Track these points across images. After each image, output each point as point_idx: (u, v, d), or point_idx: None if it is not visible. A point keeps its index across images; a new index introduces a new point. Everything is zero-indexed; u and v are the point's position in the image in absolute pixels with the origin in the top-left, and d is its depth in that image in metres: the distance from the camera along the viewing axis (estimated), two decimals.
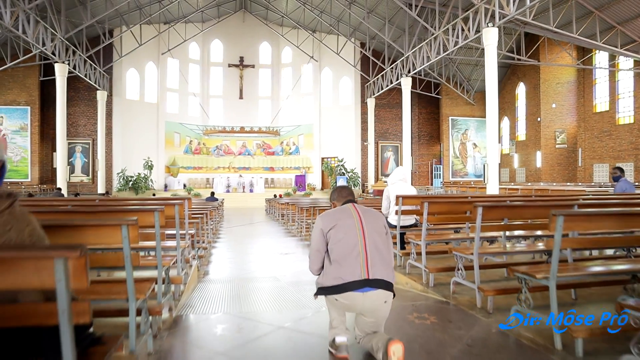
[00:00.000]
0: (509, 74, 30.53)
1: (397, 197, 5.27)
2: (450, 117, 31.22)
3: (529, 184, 24.79)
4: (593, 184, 21.69)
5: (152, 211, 3.04)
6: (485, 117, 28.25)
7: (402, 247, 5.51)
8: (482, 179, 29.81)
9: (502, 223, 3.93)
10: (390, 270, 2.80)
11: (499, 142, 31.87)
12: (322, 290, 2.79)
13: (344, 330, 2.84)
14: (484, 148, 30.46)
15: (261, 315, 3.85)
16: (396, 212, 5.36)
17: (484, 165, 29.76)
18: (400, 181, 5.82)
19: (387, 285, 2.72)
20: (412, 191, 5.94)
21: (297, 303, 4.22)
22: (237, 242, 10.91)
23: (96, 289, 2.61)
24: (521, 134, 30.08)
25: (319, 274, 2.88)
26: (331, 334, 2.85)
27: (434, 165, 31.89)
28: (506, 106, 30.98)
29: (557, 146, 26.96)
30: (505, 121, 31.65)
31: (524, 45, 23.51)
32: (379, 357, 2.52)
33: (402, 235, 5.50)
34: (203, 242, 8.16)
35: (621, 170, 6.99)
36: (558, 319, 2.74)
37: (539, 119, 26.71)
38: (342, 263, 2.69)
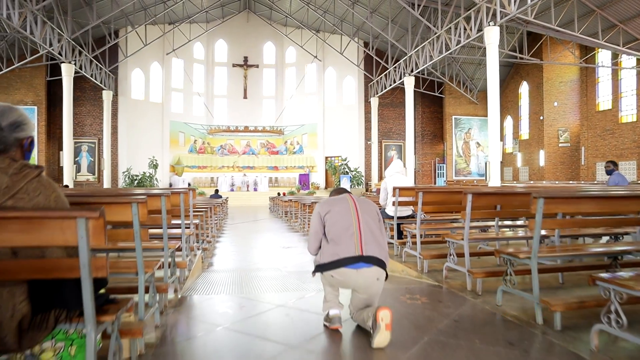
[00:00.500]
0: (512, 73, 30.58)
1: (394, 188, 5.46)
2: (453, 116, 31.31)
3: (532, 182, 24.87)
4: (596, 182, 21.77)
5: (160, 196, 3.25)
6: (487, 116, 28.25)
7: (400, 237, 5.70)
8: (485, 178, 29.97)
9: (495, 211, 4.10)
10: (384, 251, 2.99)
11: (502, 141, 31.97)
12: (319, 268, 2.99)
13: (337, 304, 3.03)
14: (487, 147, 30.51)
15: (262, 296, 4.06)
16: (393, 203, 5.54)
17: (485, 164, 29.86)
18: (397, 173, 6.01)
19: (379, 263, 2.90)
20: (410, 183, 6.13)
21: (296, 287, 4.41)
22: (241, 237, 11.13)
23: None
24: (524, 133, 30.13)
25: (317, 254, 3.08)
26: (325, 308, 3.05)
27: (437, 164, 31.98)
28: (509, 105, 31.04)
29: (560, 145, 27.00)
30: (509, 120, 31.70)
31: (527, 44, 23.61)
32: (369, 325, 2.71)
33: (399, 225, 5.68)
34: (207, 236, 8.38)
35: (614, 164, 7.14)
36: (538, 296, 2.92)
37: (541, 118, 26.78)
38: (338, 242, 2.89)
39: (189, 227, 4.82)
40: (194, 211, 5.82)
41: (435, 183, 31.59)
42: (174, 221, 4.93)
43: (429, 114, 32.17)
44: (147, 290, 2.89)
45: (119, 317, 1.95)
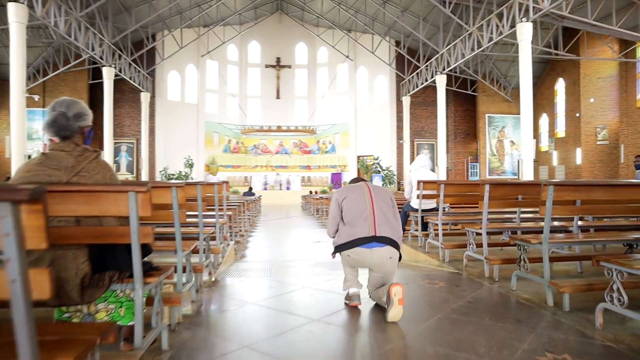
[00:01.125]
0: (547, 70, 29.89)
1: (419, 182, 5.64)
2: (487, 115, 30.87)
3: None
4: (635, 180, 21.09)
5: (196, 184, 3.57)
6: (529, 114, 27.73)
7: (424, 229, 5.87)
8: (517, 177, 29.42)
9: (513, 200, 4.24)
10: (397, 233, 3.22)
11: (538, 139, 31.33)
12: (337, 248, 3.24)
13: (356, 284, 3.28)
14: (521, 145, 29.98)
15: (289, 279, 4.34)
16: (418, 196, 5.72)
17: (518, 162, 29.33)
18: (421, 167, 6.18)
19: (392, 243, 3.12)
20: (433, 177, 6.29)
21: (322, 273, 4.66)
22: (273, 232, 11.48)
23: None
24: (560, 131, 29.39)
25: (335, 237, 3.33)
26: (345, 287, 3.30)
27: (470, 163, 31.61)
28: (545, 102, 30.35)
29: (598, 143, 26.24)
30: (544, 118, 30.99)
31: (563, 39, 23.09)
32: (383, 301, 2.94)
33: (422, 217, 5.85)
34: (240, 230, 8.74)
35: None
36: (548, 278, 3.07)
37: (577, 115, 26.11)
38: (353, 224, 3.13)
39: (222, 217, 5.15)
40: (227, 205, 6.16)
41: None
42: (208, 213, 5.27)
43: (461, 113, 31.84)
44: (184, 270, 3.20)
45: (161, 282, 2.26)
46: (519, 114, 28.34)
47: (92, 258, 1.97)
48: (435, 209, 6.07)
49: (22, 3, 13.37)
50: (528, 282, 3.73)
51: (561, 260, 3.70)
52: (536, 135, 31.34)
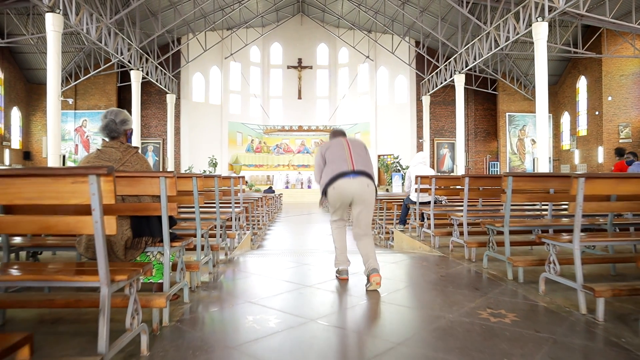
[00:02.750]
0: (569, 68, 29.74)
1: (417, 177, 6.20)
2: (507, 113, 30.88)
3: None
4: None
5: (213, 177, 4.24)
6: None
7: (422, 220, 6.43)
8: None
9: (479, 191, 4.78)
10: (371, 169, 3.81)
11: (559, 138, 31.17)
12: (324, 188, 3.82)
13: (345, 262, 3.89)
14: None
15: (293, 258, 4.99)
16: (416, 190, 6.28)
17: (533, 160, 29.26)
18: (420, 164, 6.73)
19: (368, 175, 3.74)
20: (431, 172, 6.82)
21: (324, 255, 5.27)
22: (292, 226, 12.18)
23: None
24: (582, 129, 29.23)
25: (320, 182, 3.92)
26: (336, 264, 3.94)
27: (490, 162, 31.67)
28: (566, 101, 30.20)
29: (620, 141, 26.06)
30: (566, 116, 30.84)
31: (584, 37, 23.05)
32: (366, 283, 3.58)
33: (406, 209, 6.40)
34: (258, 222, 9.43)
35: (634, 155, 7.44)
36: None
37: (597, 113, 26.00)
38: (334, 164, 3.73)
39: (238, 207, 5.82)
40: (244, 199, 6.84)
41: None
42: (225, 203, 5.94)
43: (482, 111, 31.94)
44: (202, 248, 3.87)
45: (183, 246, 2.95)
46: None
47: (133, 226, 2.67)
48: (436, 202, 6.61)
49: (58, 13, 14.33)
50: (498, 262, 4.29)
51: (519, 243, 4.23)
52: (557, 133, 31.22)
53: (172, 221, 2.85)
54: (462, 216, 4.68)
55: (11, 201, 1.64)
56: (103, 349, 1.69)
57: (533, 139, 31.06)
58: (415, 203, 6.43)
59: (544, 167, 16.79)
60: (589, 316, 2.72)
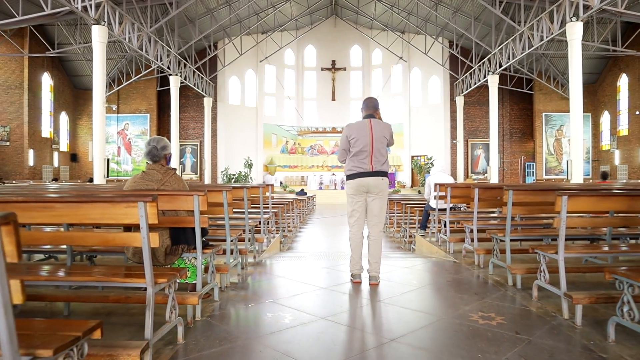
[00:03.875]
0: (609, 65, 28.92)
1: (435, 184, 6.53)
2: (543, 113, 30.32)
3: (632, 181, 23.55)
4: None
5: (242, 188, 4.73)
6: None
7: (444, 225, 6.74)
8: (566, 176, 28.62)
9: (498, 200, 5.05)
10: (385, 164, 4.37)
11: (599, 138, 30.40)
12: (348, 177, 4.44)
13: (360, 267, 4.31)
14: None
15: (315, 262, 5.42)
16: (435, 197, 6.61)
17: (567, 162, 28.59)
18: (440, 172, 7.05)
19: (383, 173, 4.35)
20: (450, 181, 7.12)
21: (342, 260, 5.69)
22: (323, 228, 12.63)
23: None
24: (623, 129, 28.40)
25: (344, 163, 4.54)
26: (351, 269, 4.37)
27: (525, 163, 31.18)
28: (607, 99, 29.39)
29: None
30: (606, 115, 30.02)
31: (624, 33, 22.41)
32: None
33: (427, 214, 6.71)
34: (288, 225, 9.91)
35: None
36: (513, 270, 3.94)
37: (637, 112, 25.24)
38: (356, 160, 4.33)
39: (267, 214, 6.30)
40: (273, 204, 7.32)
41: (524, 182, 30.85)
42: (254, 210, 6.44)
43: (517, 111, 31.47)
44: (232, 252, 4.36)
45: (213, 253, 3.44)
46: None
47: (171, 236, 3.18)
48: (452, 208, 6.91)
49: (103, 25, 15.26)
50: (503, 269, 4.60)
51: (521, 251, 4.51)
52: (597, 133, 30.44)
53: (204, 231, 3.35)
54: (472, 224, 4.99)
55: (80, 221, 2.14)
56: (149, 336, 2.19)
57: (570, 140, 30.39)
58: (434, 209, 6.74)
59: (578, 170, 16.51)
60: (570, 321, 3.02)
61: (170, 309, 2.48)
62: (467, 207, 7.11)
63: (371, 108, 4.53)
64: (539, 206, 4.26)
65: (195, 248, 3.19)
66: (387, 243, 8.93)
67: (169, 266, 3.21)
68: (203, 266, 3.26)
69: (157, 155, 3.31)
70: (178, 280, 2.71)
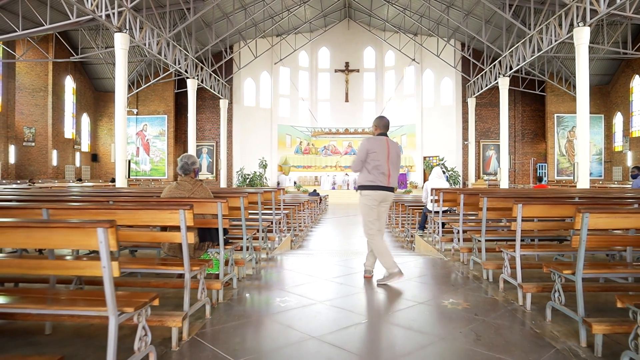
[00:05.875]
0: (622, 67, 29.04)
1: (432, 189, 7.19)
2: (555, 115, 30.55)
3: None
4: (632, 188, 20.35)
5: (256, 193, 5.47)
6: (595, 113, 27.15)
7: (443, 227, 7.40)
8: (572, 178, 28.76)
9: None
10: (396, 180, 4.90)
11: (612, 139, 30.51)
12: (362, 187, 4.90)
13: (372, 265, 4.94)
14: (593, 146, 29.49)
15: (321, 256, 6.14)
16: (431, 201, 7.27)
17: (573, 165, 28.80)
18: (436, 178, 7.71)
19: (393, 188, 4.89)
20: (445, 186, 7.77)
21: (351, 255, 6.40)
22: (333, 227, 13.31)
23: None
24: (636, 130, 28.53)
25: (358, 174, 4.97)
26: (365, 266, 4.97)
27: (537, 164, 31.41)
28: (619, 101, 29.51)
29: None
30: (618, 116, 30.15)
31: (635, 36, 22.59)
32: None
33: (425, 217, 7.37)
34: (300, 224, 10.64)
35: (639, 169, 7.98)
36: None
37: None
38: (375, 174, 4.77)
39: (278, 215, 7.03)
40: (285, 205, 8.03)
41: (535, 183, 31.10)
42: (267, 212, 7.18)
43: (529, 113, 31.73)
44: (247, 249, 5.09)
45: (233, 249, 4.20)
46: (590, 113, 27.76)
47: (199, 234, 3.93)
48: (447, 211, 7.57)
49: (125, 32, 16.08)
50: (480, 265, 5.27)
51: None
52: (610, 134, 30.58)
53: (225, 231, 4.09)
54: (457, 225, 5.66)
55: (135, 223, 2.88)
56: (187, 309, 2.94)
57: (577, 143, 30.55)
58: (431, 212, 7.41)
59: (584, 173, 16.84)
60: (522, 307, 3.70)
61: (201, 290, 3.24)
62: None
63: (385, 127, 5.06)
64: (509, 211, 4.90)
65: (218, 244, 3.93)
66: (392, 242, 9.62)
67: (197, 259, 3.95)
68: (224, 259, 3.99)
69: (188, 169, 4.08)
70: (207, 269, 3.45)
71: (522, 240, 3.88)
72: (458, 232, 5.77)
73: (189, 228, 2.99)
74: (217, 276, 4.09)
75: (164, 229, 3.76)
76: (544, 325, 3.24)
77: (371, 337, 3.11)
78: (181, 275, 3.67)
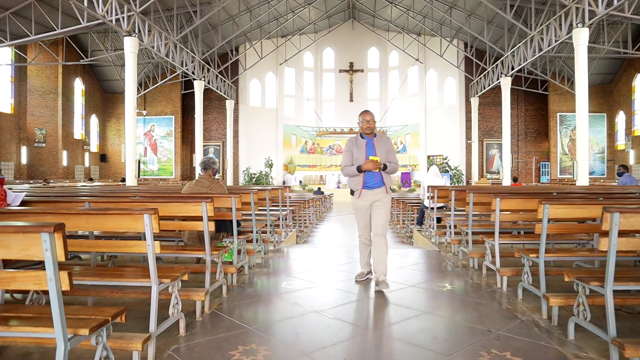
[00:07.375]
0: (624, 66, 29.27)
1: (428, 186, 7.68)
2: (558, 114, 30.81)
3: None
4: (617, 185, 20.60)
5: (265, 190, 6.00)
6: (597, 111, 27.42)
7: (439, 222, 7.90)
8: (572, 176, 29.04)
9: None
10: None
11: (614, 138, 30.75)
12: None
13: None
14: (596, 144, 29.76)
15: (325, 248, 6.66)
16: (428, 197, 7.76)
17: (573, 164, 29.09)
18: (433, 176, 8.20)
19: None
20: (441, 183, 8.26)
21: (349, 246, 6.90)
22: (336, 224, 13.81)
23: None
24: (638, 129, 28.79)
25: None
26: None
27: (540, 162, 31.71)
28: (622, 100, 29.74)
29: None
30: (621, 115, 30.40)
31: (636, 36, 22.86)
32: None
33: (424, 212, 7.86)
34: (305, 221, 11.15)
35: (625, 167, 8.40)
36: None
37: None
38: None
39: (285, 210, 7.55)
40: (291, 202, 8.55)
41: (539, 181, 31.43)
42: (274, 208, 7.71)
43: (532, 112, 32.00)
44: (257, 241, 5.61)
45: (244, 239, 4.71)
46: (594, 112, 28.08)
47: (215, 226, 4.45)
48: (444, 207, 8.06)
49: (135, 36, 16.59)
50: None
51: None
52: (612, 133, 30.83)
53: (238, 223, 4.62)
54: (449, 220, 6.16)
55: (165, 214, 3.40)
56: (208, 286, 3.48)
57: (576, 142, 30.80)
58: (428, 208, 7.90)
59: (584, 172, 17.15)
60: (500, 289, 4.20)
61: (219, 272, 3.77)
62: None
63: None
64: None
65: (232, 235, 4.45)
66: (393, 237, 10.11)
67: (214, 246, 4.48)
68: (237, 248, 4.52)
69: (208, 166, 4.65)
70: (223, 255, 3.97)
71: (509, 233, 4.38)
72: (450, 226, 6.26)
73: (209, 218, 3.50)
74: (231, 263, 4.61)
75: (184, 219, 4.28)
76: (515, 302, 3.74)
77: (365, 312, 3.63)
78: (199, 260, 4.23)
